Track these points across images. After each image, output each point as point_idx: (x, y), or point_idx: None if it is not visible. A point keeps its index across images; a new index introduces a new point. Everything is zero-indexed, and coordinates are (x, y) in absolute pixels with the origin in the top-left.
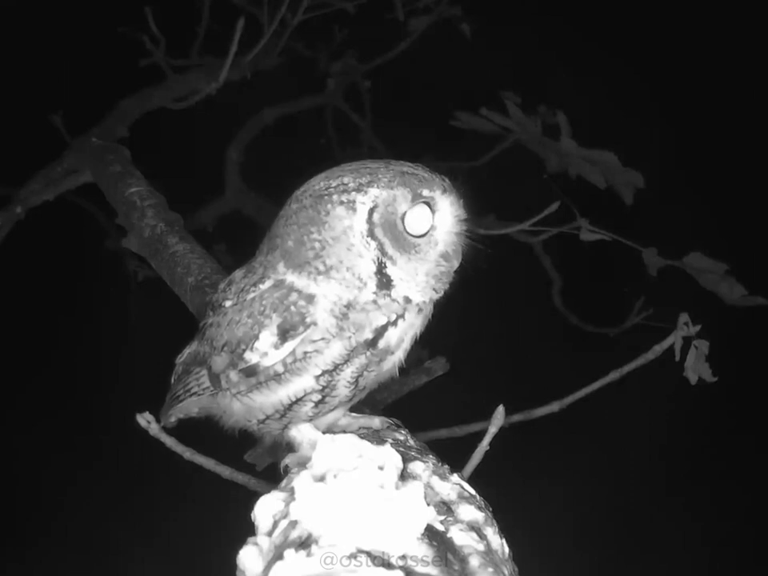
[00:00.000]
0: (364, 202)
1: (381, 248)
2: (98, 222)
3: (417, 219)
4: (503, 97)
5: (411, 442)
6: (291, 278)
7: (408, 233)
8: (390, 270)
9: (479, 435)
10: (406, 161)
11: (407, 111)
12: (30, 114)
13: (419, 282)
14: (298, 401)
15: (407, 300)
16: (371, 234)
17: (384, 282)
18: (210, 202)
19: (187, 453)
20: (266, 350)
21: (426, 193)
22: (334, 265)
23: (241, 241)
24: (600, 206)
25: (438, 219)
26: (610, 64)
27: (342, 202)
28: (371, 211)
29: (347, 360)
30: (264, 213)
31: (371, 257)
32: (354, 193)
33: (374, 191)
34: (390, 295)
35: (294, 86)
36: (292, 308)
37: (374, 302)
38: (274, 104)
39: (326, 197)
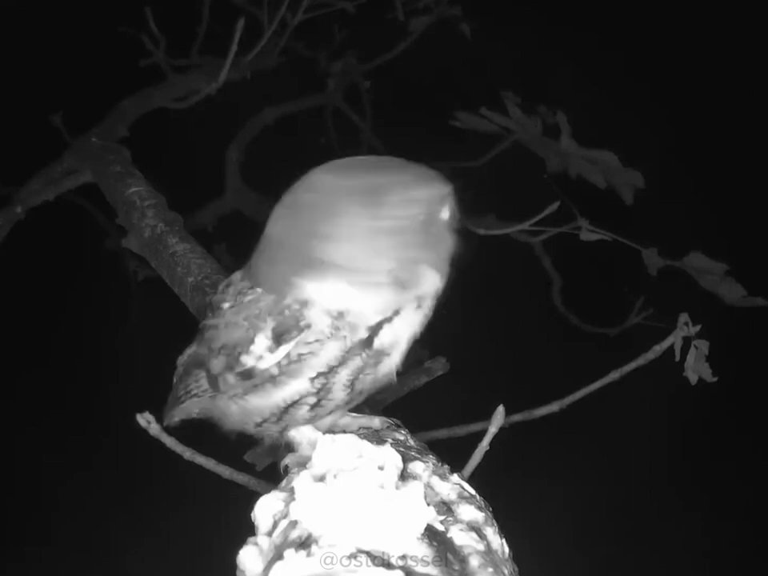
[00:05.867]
0: None
1: None
2: (98, 222)
3: None
4: (503, 97)
5: (411, 442)
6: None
7: None
8: None
9: (479, 435)
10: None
11: (407, 111)
12: (30, 113)
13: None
14: (294, 404)
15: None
16: None
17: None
18: (209, 202)
19: (187, 453)
20: (260, 354)
21: None
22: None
23: (241, 241)
24: (600, 206)
25: None
26: (610, 64)
27: None
28: None
29: (342, 362)
30: (264, 213)
31: None
32: None
33: None
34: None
35: (294, 86)
36: (286, 312)
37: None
38: (274, 104)
39: None
